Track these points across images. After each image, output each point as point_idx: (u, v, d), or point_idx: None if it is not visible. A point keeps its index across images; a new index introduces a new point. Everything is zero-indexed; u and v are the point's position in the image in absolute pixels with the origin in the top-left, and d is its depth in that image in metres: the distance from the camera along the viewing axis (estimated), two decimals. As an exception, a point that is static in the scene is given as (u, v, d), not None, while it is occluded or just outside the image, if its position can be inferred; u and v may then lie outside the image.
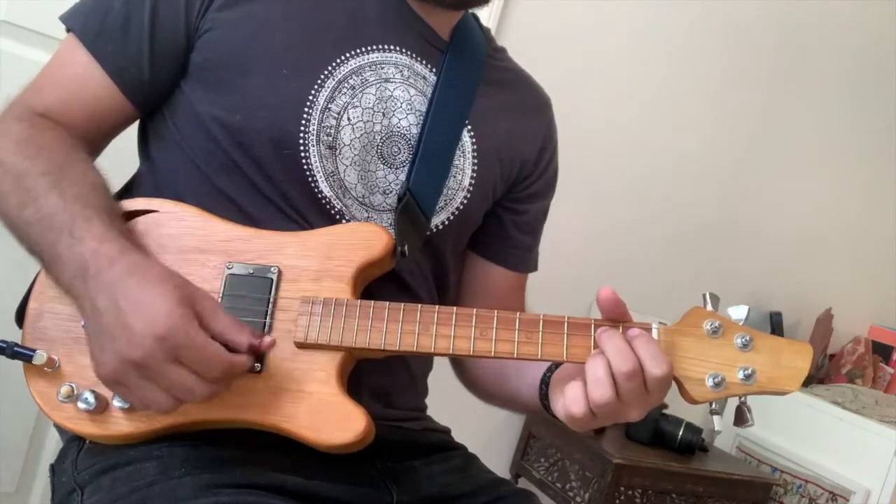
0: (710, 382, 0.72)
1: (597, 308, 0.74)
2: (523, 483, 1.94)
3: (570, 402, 0.72)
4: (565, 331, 0.74)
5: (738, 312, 0.75)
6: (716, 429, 0.75)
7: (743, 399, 0.74)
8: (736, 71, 2.16)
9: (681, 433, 1.82)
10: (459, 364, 1.03)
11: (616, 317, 0.74)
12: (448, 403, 1.05)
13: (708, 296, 0.76)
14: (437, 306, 0.76)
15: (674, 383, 0.74)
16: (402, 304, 0.76)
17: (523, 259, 1.04)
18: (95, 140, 0.87)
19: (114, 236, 0.71)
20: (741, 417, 0.74)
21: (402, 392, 0.94)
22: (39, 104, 0.83)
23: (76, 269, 0.70)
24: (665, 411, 1.87)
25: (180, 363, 0.66)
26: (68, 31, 0.86)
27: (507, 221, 1.01)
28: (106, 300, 0.68)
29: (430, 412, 1.02)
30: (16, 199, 0.75)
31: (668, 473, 1.75)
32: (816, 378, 2.28)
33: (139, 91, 0.85)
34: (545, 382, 0.83)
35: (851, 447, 1.94)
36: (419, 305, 0.76)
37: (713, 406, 0.75)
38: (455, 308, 0.76)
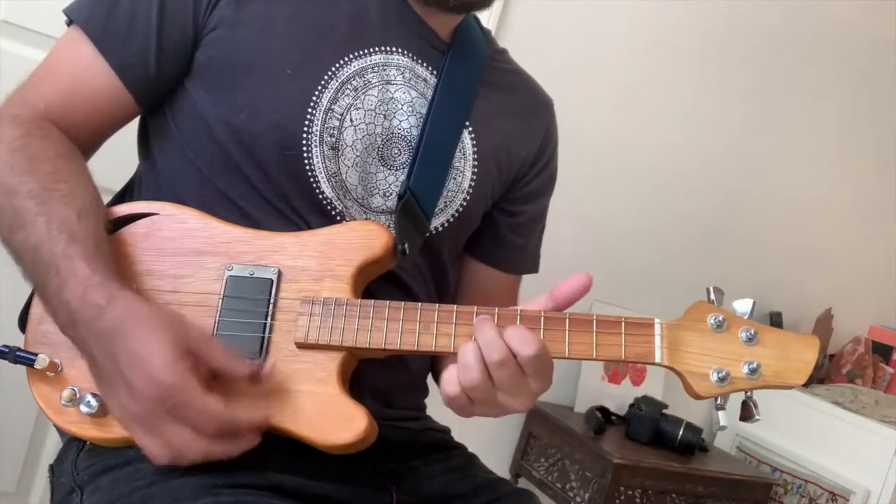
0: (714, 377, 0.71)
1: (597, 308, 0.74)
2: (523, 483, 1.94)
3: (445, 381, 0.74)
4: (566, 327, 0.73)
5: (742, 306, 0.74)
6: (721, 424, 0.74)
7: (749, 393, 0.73)
8: (737, 73, 2.16)
9: (681, 433, 1.82)
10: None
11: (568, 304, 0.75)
12: (448, 403, 1.05)
13: (712, 290, 0.74)
14: (437, 305, 0.75)
15: (679, 379, 0.73)
16: (403, 303, 0.75)
17: (515, 261, 1.04)
18: (94, 136, 0.86)
19: (99, 279, 0.69)
20: (748, 412, 0.73)
21: (402, 392, 0.94)
22: (39, 100, 0.82)
23: (65, 315, 0.70)
24: (665, 411, 1.86)
25: (178, 420, 0.67)
26: (69, 24, 0.84)
27: (500, 223, 1.00)
28: (102, 352, 0.68)
29: (430, 412, 1.02)
30: (7, 217, 0.74)
31: (668, 473, 1.75)
32: (816, 378, 2.28)
33: (143, 87, 0.84)
34: None
35: (851, 447, 1.94)
36: (419, 304, 0.76)
37: (718, 401, 0.73)
38: (455, 306, 0.75)
